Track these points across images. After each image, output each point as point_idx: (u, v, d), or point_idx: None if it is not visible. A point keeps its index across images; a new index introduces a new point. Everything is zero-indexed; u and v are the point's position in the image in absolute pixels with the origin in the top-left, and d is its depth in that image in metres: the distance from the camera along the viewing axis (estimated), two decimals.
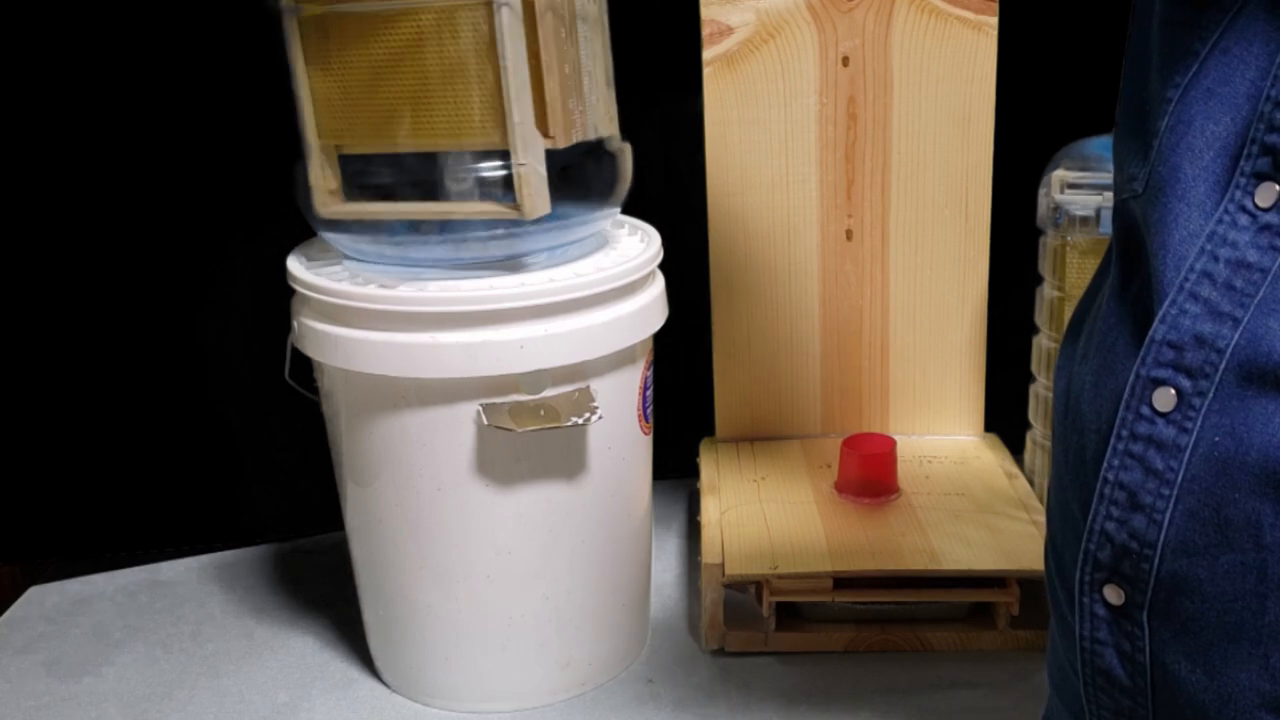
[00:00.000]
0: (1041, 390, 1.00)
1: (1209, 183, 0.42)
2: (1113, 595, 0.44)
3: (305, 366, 0.83)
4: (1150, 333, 0.42)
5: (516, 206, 0.75)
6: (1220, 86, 0.43)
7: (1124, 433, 0.43)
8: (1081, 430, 0.47)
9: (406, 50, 0.74)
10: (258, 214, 1.03)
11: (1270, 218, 0.40)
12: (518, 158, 0.74)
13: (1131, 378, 0.43)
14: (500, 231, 0.78)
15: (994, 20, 0.97)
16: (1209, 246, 0.41)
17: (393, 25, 0.73)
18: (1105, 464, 0.44)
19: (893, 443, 0.99)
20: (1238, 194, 0.41)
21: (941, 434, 1.08)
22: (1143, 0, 0.49)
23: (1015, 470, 1.02)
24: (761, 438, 1.09)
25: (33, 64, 0.99)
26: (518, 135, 0.73)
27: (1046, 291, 0.98)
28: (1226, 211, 0.41)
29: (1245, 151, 0.41)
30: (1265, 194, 0.41)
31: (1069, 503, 0.48)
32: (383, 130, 0.76)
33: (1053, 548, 0.51)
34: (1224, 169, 0.42)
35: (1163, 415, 0.42)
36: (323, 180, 0.78)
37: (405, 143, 0.76)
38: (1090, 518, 0.44)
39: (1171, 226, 0.43)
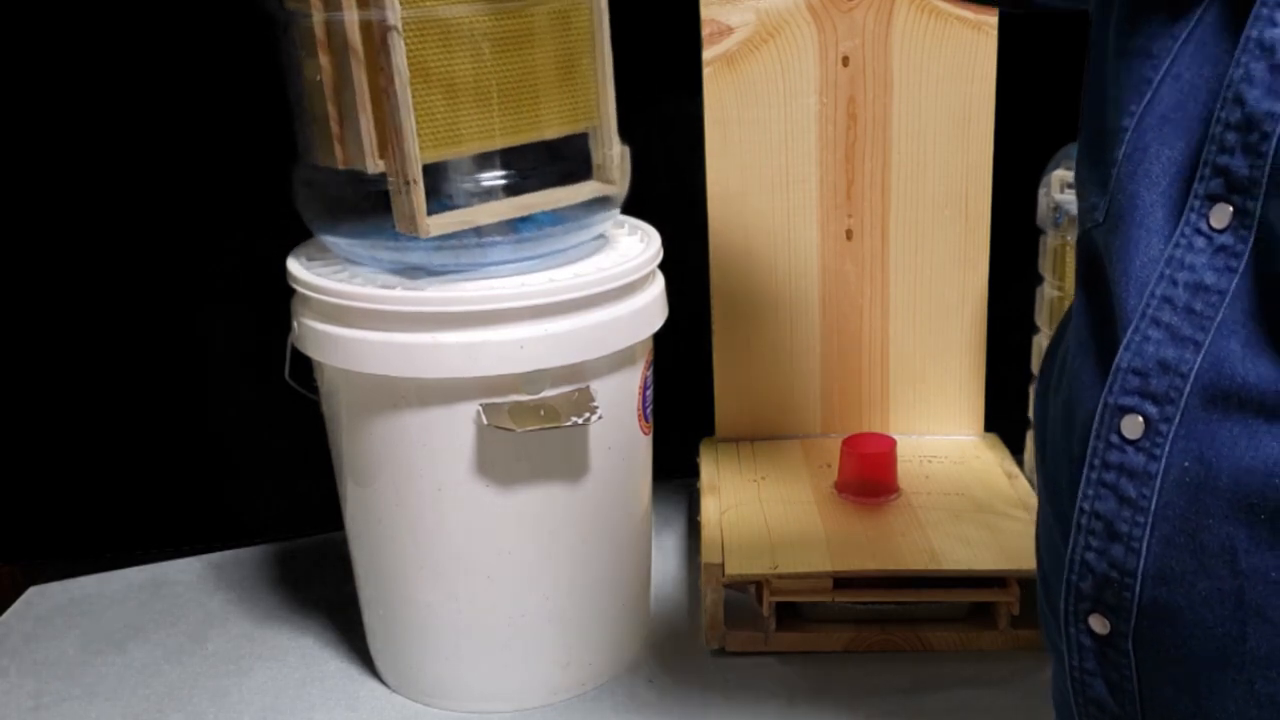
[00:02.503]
0: None
1: (1166, 208, 0.42)
2: (1098, 625, 0.44)
3: (305, 366, 0.83)
4: (1115, 360, 0.42)
5: (613, 182, 0.81)
6: (1174, 112, 0.43)
7: (1096, 461, 0.43)
8: (1056, 459, 0.47)
9: (521, 48, 0.76)
10: (258, 214, 1.04)
11: (1225, 239, 0.40)
12: (613, 140, 0.80)
13: (1099, 406, 0.43)
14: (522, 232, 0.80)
15: (994, 20, 0.97)
16: (1167, 271, 0.41)
17: (503, 24, 0.74)
18: (1080, 494, 0.44)
19: (893, 443, 0.99)
20: (1193, 216, 0.41)
21: (941, 434, 1.08)
22: (1097, 35, 0.49)
23: (1015, 470, 1.02)
24: (761, 438, 1.09)
25: (34, 64, 0.99)
26: (609, 119, 0.80)
27: (1046, 291, 0.98)
28: (1183, 235, 0.41)
29: (1199, 174, 0.41)
30: (1219, 215, 0.41)
31: (1052, 532, 0.48)
32: (491, 129, 0.76)
33: (1041, 576, 0.51)
34: (1179, 193, 0.42)
35: (1132, 443, 0.42)
36: (418, 199, 0.74)
37: (511, 138, 0.77)
38: (1070, 548, 0.44)
39: (1132, 253, 0.43)
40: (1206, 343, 0.40)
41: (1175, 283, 0.41)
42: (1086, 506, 0.43)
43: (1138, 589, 0.42)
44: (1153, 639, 0.42)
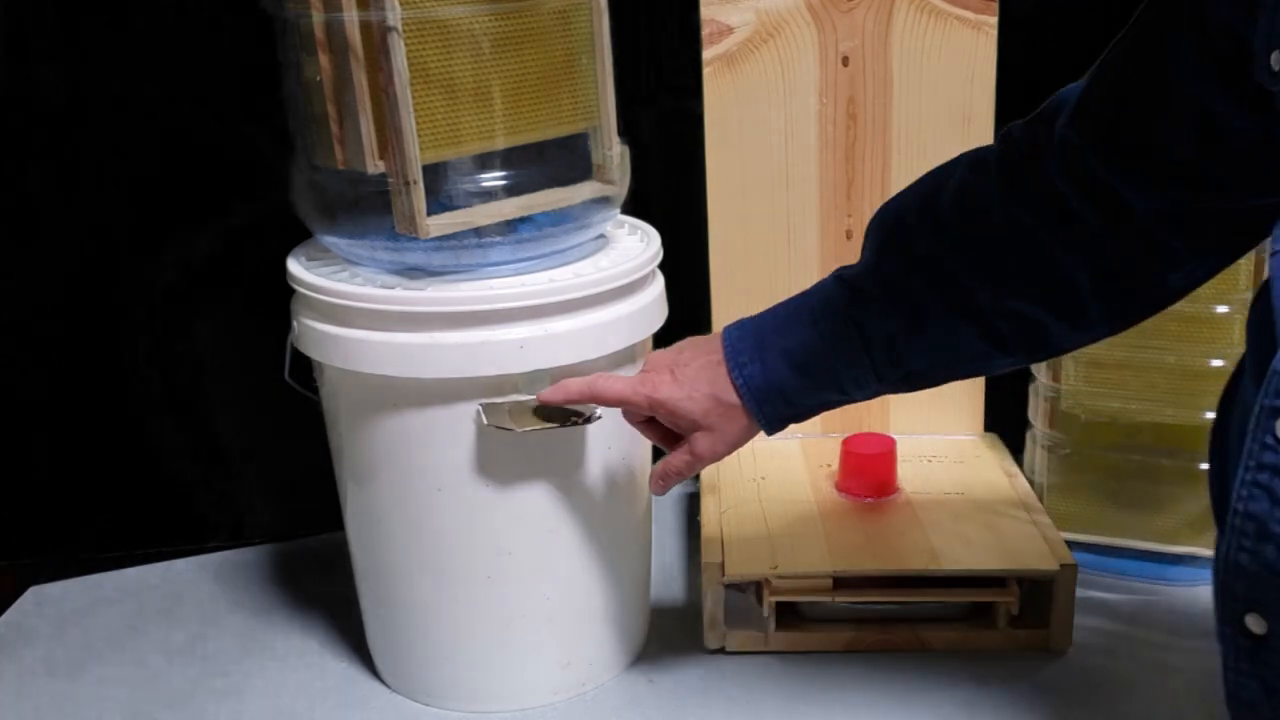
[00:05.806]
0: (1041, 390, 1.00)
1: None
2: (1255, 625, 0.43)
3: (305, 366, 0.83)
4: (1272, 363, 0.42)
5: (613, 182, 0.81)
6: None
7: (1250, 463, 0.42)
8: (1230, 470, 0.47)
9: (521, 48, 0.76)
10: (258, 214, 1.03)
11: None
12: (613, 140, 0.80)
13: (1256, 408, 0.42)
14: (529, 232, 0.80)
15: (994, 20, 0.97)
16: None
17: (503, 24, 0.75)
18: (1234, 495, 0.43)
19: (893, 443, 0.99)
20: None
21: (941, 434, 1.08)
22: None
23: (1015, 470, 1.02)
24: (761, 437, 1.09)
25: (34, 58, 0.99)
26: (609, 119, 0.80)
27: None
28: None
29: None
30: None
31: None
32: (491, 129, 0.76)
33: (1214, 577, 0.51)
34: None
35: None
36: (418, 200, 0.74)
37: (511, 138, 0.77)
38: (1224, 550, 0.44)
39: None
40: None
41: None
42: (1240, 508, 0.43)
43: None
44: None
